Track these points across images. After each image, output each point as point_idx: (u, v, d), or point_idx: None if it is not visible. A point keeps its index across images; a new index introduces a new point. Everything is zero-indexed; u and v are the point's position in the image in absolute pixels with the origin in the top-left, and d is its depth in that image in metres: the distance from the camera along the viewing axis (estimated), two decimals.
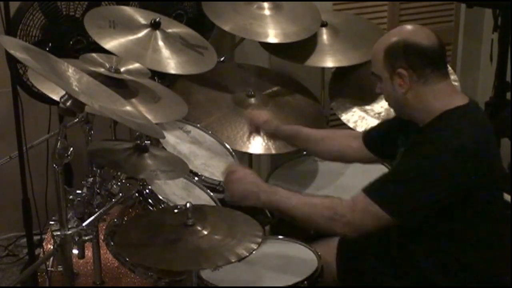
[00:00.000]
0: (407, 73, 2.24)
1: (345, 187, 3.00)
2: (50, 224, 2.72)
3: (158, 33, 2.83)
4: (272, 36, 3.12)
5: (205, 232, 2.12)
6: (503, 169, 2.48)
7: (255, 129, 2.79)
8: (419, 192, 2.16)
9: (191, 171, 2.66)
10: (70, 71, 2.08)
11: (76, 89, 1.98)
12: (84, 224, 2.26)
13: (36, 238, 3.06)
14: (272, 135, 2.81)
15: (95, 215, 2.31)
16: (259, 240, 2.12)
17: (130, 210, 2.55)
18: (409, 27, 2.33)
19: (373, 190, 2.21)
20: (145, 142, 2.37)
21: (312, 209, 2.26)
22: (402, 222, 2.19)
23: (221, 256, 2.03)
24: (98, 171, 2.48)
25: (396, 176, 2.24)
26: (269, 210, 2.45)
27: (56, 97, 2.05)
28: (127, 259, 2.34)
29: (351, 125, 3.15)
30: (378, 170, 3.04)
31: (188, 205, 2.13)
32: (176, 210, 2.25)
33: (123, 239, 2.19)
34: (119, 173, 2.49)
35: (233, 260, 2.02)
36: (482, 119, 2.29)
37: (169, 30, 2.90)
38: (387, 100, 2.38)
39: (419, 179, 2.16)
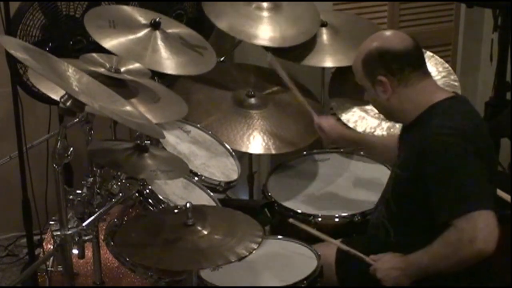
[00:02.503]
0: (387, 79, 2.29)
1: (345, 187, 3.00)
2: (50, 224, 2.71)
3: (158, 33, 2.83)
4: (268, 39, 3.11)
5: (205, 232, 2.12)
6: (497, 165, 2.49)
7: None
8: (470, 177, 2.16)
9: (191, 171, 2.66)
10: (70, 71, 2.08)
11: (76, 89, 1.98)
12: (84, 224, 2.25)
13: (36, 238, 3.06)
14: (334, 141, 2.85)
15: (95, 215, 2.31)
16: (259, 240, 2.12)
17: (130, 210, 2.55)
18: (382, 34, 2.38)
19: (453, 210, 2.16)
20: (145, 142, 2.37)
21: (437, 256, 2.20)
22: (493, 205, 2.15)
23: (221, 256, 2.03)
24: (98, 171, 2.48)
25: (447, 183, 2.19)
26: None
27: (56, 97, 2.05)
28: (127, 259, 2.34)
29: (351, 125, 3.15)
30: (377, 170, 3.06)
31: (188, 205, 2.13)
32: (176, 210, 2.26)
33: (123, 239, 2.19)
34: (119, 173, 2.49)
35: (233, 260, 2.02)
36: (470, 111, 2.31)
37: (169, 30, 2.89)
38: (374, 107, 2.42)
39: (458, 167, 2.16)
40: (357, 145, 2.90)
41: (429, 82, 2.34)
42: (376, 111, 3.15)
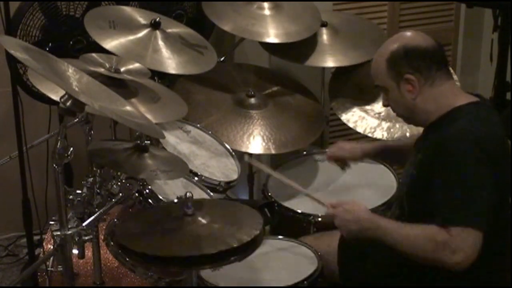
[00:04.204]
0: (415, 77, 2.25)
1: (345, 187, 3.00)
2: (50, 224, 2.72)
3: (158, 33, 2.83)
4: (273, 36, 3.12)
5: (205, 221, 2.12)
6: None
7: (342, 162, 2.80)
8: (480, 192, 2.14)
9: (191, 171, 2.66)
10: (70, 71, 2.08)
11: (76, 89, 1.98)
12: (84, 224, 2.26)
13: (36, 238, 3.07)
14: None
15: (95, 215, 2.31)
16: (260, 226, 2.11)
17: (130, 210, 2.55)
18: (405, 33, 2.36)
19: (450, 219, 2.15)
20: (145, 142, 2.37)
21: (415, 242, 2.19)
22: (487, 226, 2.14)
23: (223, 242, 2.02)
24: (98, 171, 2.48)
25: (460, 191, 2.18)
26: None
27: (56, 97, 2.05)
28: (127, 259, 2.34)
29: (351, 125, 3.15)
30: (377, 170, 3.06)
31: (188, 194, 2.13)
32: (176, 200, 2.26)
33: (123, 231, 2.19)
34: (119, 173, 2.49)
35: (234, 245, 2.01)
36: (491, 118, 2.29)
37: (169, 30, 2.90)
38: (395, 110, 2.37)
39: (471, 178, 2.15)
40: (382, 157, 2.84)
41: (453, 84, 2.32)
42: (376, 111, 3.18)
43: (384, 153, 2.76)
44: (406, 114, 2.35)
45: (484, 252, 2.17)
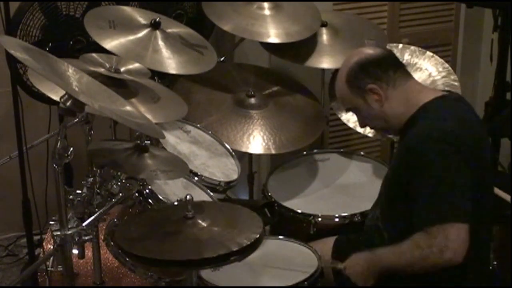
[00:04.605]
0: (376, 85, 2.33)
1: (345, 187, 3.01)
2: (50, 224, 2.71)
3: (158, 33, 2.83)
4: (273, 36, 3.12)
5: (205, 224, 2.12)
6: (496, 165, 2.49)
7: None
8: (450, 185, 2.18)
9: (191, 171, 2.66)
10: (70, 71, 2.08)
11: (76, 89, 1.98)
12: (84, 224, 2.25)
13: (36, 238, 3.06)
14: None
15: (95, 215, 2.31)
16: (260, 230, 2.11)
17: (130, 210, 2.55)
18: (353, 52, 2.45)
19: (428, 218, 2.19)
20: (145, 142, 2.37)
21: (404, 257, 2.24)
22: (468, 218, 2.17)
23: (223, 245, 2.02)
24: (98, 171, 2.48)
25: (424, 192, 2.21)
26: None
27: (56, 97, 2.05)
28: (127, 259, 2.34)
29: (351, 125, 3.15)
30: (377, 169, 3.06)
31: (188, 197, 2.13)
32: (176, 203, 2.26)
33: (123, 233, 2.18)
34: (119, 173, 2.49)
35: (234, 249, 2.01)
36: (461, 111, 2.32)
37: (169, 30, 2.89)
38: (372, 125, 2.46)
39: (437, 175, 2.18)
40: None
41: (414, 81, 2.41)
42: None
43: None
44: (382, 124, 2.42)
45: (477, 246, 2.20)
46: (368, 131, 3.10)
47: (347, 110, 2.45)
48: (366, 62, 2.35)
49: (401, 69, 2.38)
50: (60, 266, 2.57)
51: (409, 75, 2.39)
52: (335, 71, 3.33)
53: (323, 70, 3.38)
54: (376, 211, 2.49)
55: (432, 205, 2.19)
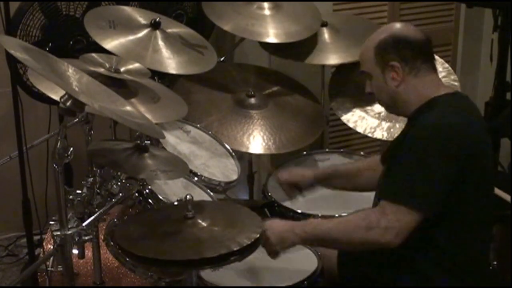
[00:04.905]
0: (400, 65, 2.30)
1: None
2: (50, 224, 2.71)
3: (158, 33, 2.83)
4: (273, 36, 3.12)
5: (205, 224, 2.12)
6: (495, 164, 2.48)
7: (295, 189, 2.74)
8: (428, 178, 2.17)
9: (191, 171, 2.66)
10: (70, 71, 2.08)
11: (76, 89, 1.98)
12: (84, 224, 2.25)
13: (36, 238, 3.07)
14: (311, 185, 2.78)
15: (95, 215, 2.31)
16: (260, 230, 2.11)
17: (130, 210, 2.55)
18: (395, 24, 2.42)
19: (391, 194, 2.20)
20: (145, 142, 2.37)
21: (347, 224, 2.24)
22: (428, 213, 2.18)
23: (223, 245, 2.02)
24: (98, 171, 2.48)
25: (402, 170, 2.22)
26: (309, 244, 2.42)
27: (56, 97, 2.05)
28: (127, 259, 2.34)
29: (351, 125, 3.15)
30: None
31: (188, 197, 2.13)
32: (176, 203, 2.25)
33: (123, 233, 2.18)
34: (119, 173, 2.49)
35: (234, 249, 2.01)
36: (466, 108, 2.32)
37: (169, 30, 2.90)
38: (378, 97, 2.41)
39: (422, 164, 2.17)
40: (334, 180, 2.74)
41: (436, 77, 2.38)
42: (376, 111, 3.17)
43: (334, 176, 2.73)
44: (388, 102, 2.39)
45: (466, 248, 2.21)
46: (368, 131, 3.10)
47: (361, 73, 2.41)
48: (403, 39, 2.31)
49: (430, 62, 2.34)
50: (60, 266, 2.57)
51: (434, 70, 2.36)
52: (335, 71, 3.34)
53: (323, 70, 3.39)
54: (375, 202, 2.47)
55: (400, 182, 2.19)
